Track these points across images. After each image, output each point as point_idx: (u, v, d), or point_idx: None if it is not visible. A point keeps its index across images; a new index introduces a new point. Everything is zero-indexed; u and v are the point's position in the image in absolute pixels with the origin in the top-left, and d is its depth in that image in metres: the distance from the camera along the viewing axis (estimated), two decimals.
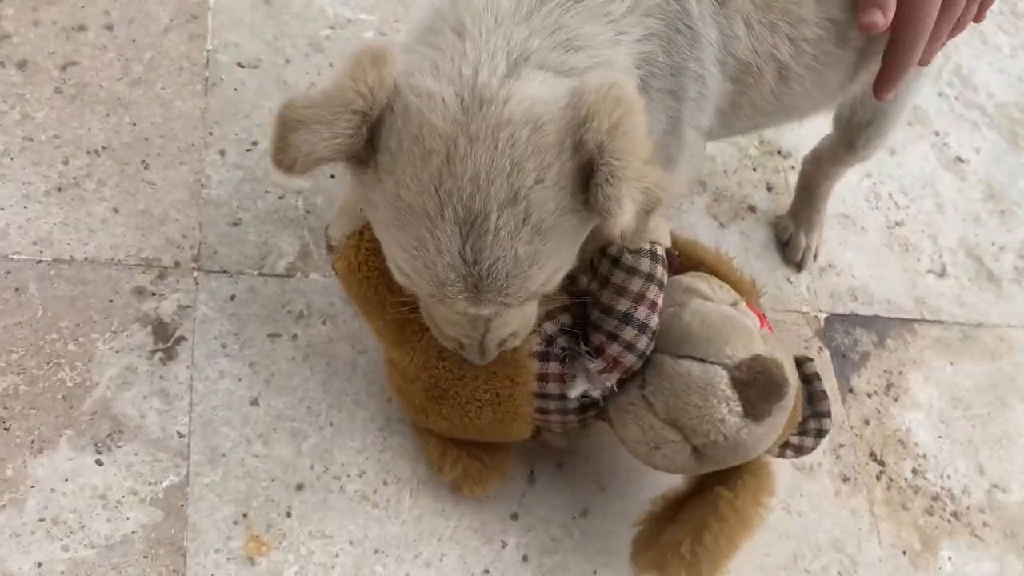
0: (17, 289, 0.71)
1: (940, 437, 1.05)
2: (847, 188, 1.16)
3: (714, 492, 0.74)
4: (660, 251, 0.71)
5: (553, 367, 0.70)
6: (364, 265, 0.66)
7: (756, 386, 0.70)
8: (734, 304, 0.76)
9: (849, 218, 1.15)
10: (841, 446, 0.99)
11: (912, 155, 1.26)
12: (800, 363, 0.80)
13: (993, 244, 1.24)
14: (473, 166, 0.51)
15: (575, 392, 0.70)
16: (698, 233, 1.05)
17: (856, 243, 1.14)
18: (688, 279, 0.77)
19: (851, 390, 1.03)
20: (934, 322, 1.13)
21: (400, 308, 0.65)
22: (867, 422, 1.02)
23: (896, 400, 1.05)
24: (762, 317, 0.79)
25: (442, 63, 0.53)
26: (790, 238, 1.06)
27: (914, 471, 1.01)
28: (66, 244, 0.74)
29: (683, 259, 0.79)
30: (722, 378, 0.70)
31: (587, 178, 0.52)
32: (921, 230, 1.20)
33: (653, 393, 0.70)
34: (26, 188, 0.75)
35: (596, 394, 0.70)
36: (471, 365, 0.66)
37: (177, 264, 0.77)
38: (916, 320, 1.12)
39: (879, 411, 1.03)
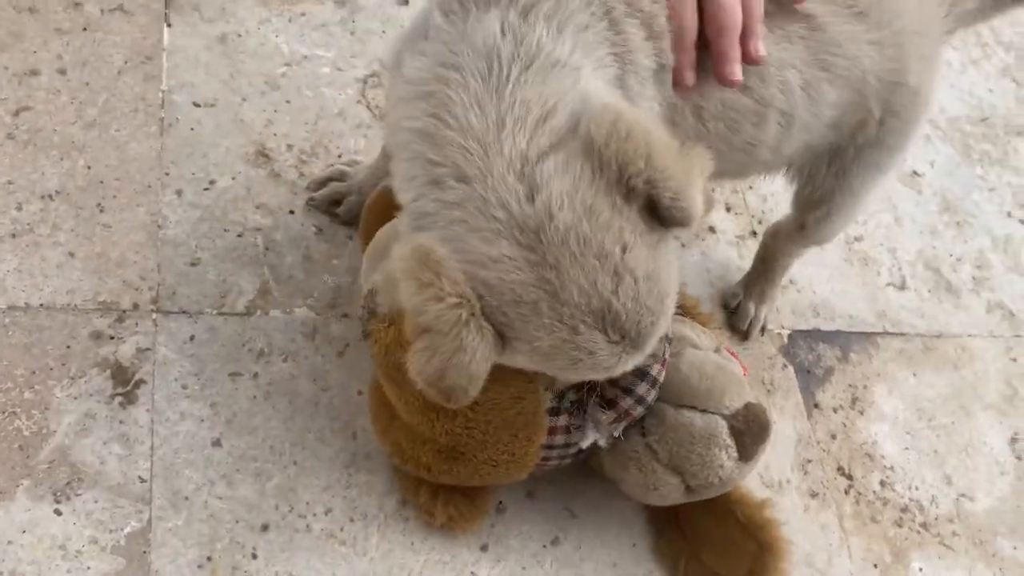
0: None
1: (906, 448, 1.06)
2: None
3: None
4: None
5: (562, 420, 0.73)
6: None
7: (750, 432, 0.77)
8: (716, 350, 0.80)
9: None
10: (808, 462, 0.99)
11: None
12: None
13: (951, 255, 1.27)
14: (573, 284, 0.53)
15: (586, 442, 0.74)
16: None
17: (816, 259, 1.15)
18: (676, 326, 0.79)
19: (816, 405, 1.04)
20: (896, 334, 1.15)
21: None
22: (834, 436, 1.03)
23: (862, 413, 1.06)
24: (736, 356, 0.82)
25: (474, 221, 0.54)
26: (738, 306, 1.05)
27: (882, 483, 1.02)
28: (20, 291, 0.73)
29: None
30: (723, 428, 0.75)
31: (653, 205, 0.55)
32: (880, 244, 1.22)
33: (658, 442, 0.75)
34: None
35: (603, 443, 0.74)
36: (495, 429, 0.70)
37: (135, 306, 0.76)
38: (878, 333, 1.14)
39: (845, 425, 1.04)
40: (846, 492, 1.00)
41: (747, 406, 0.75)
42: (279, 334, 0.80)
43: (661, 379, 0.73)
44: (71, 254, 0.76)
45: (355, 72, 0.98)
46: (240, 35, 0.94)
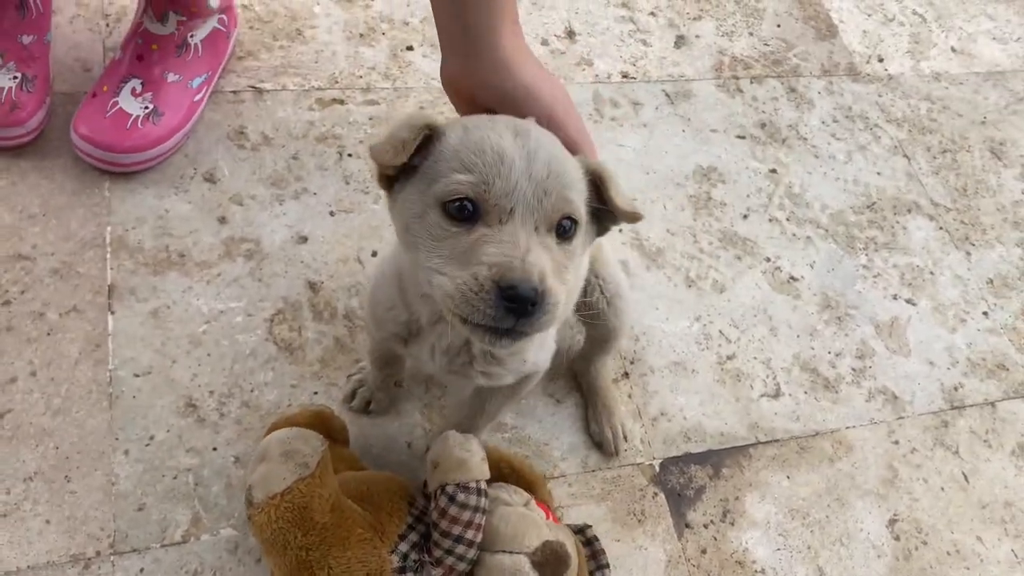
0: None
1: (779, 550, 1.20)
2: (676, 338, 1.35)
3: None
4: (483, 485, 0.95)
5: None
6: (280, 519, 0.89)
7: (548, 564, 0.94)
8: (527, 504, 1.00)
9: (680, 364, 1.33)
10: None
11: (743, 287, 1.44)
12: (581, 531, 1.03)
13: (830, 352, 1.40)
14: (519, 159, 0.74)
15: None
16: (537, 410, 1.25)
17: (687, 386, 1.32)
18: (494, 491, 1.00)
19: (687, 525, 1.20)
20: (769, 442, 1.29)
21: (299, 551, 0.89)
22: (704, 551, 1.18)
23: (732, 524, 1.21)
24: (547, 509, 1.01)
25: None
26: (599, 438, 1.23)
27: None
28: (12, 558, 1.00)
29: (491, 464, 1.02)
30: (525, 563, 0.94)
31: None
32: (754, 357, 1.37)
33: None
34: None
35: None
36: None
37: (98, 553, 1.02)
38: (751, 444, 1.29)
39: (715, 538, 1.20)
40: None
41: (545, 544, 0.94)
42: (208, 554, 1.04)
43: (477, 540, 0.93)
44: (48, 521, 1.03)
45: (263, 314, 1.23)
46: (168, 306, 1.20)
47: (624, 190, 0.82)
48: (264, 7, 1.54)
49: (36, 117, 1.27)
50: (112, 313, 1.18)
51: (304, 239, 1.30)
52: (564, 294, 0.73)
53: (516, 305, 0.68)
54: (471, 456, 0.96)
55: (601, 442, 1.23)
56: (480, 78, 0.85)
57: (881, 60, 1.83)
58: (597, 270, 1.11)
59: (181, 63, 1.32)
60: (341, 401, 1.18)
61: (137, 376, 1.15)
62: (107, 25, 1.44)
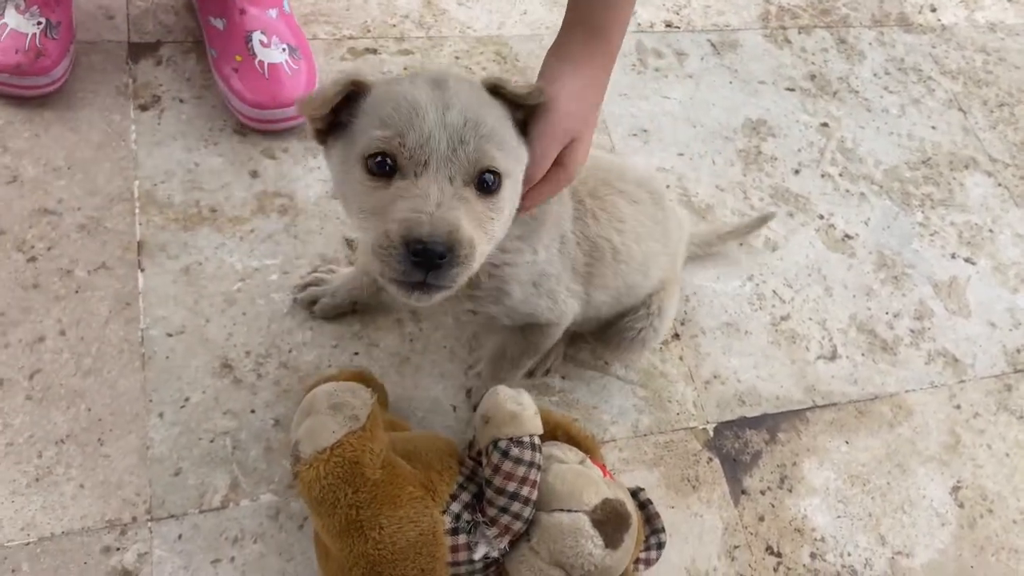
0: (14, 571, 0.93)
1: (839, 517, 1.15)
2: (728, 298, 1.30)
3: None
4: (537, 440, 0.90)
5: (461, 539, 0.88)
6: (329, 475, 0.83)
7: (609, 522, 0.89)
8: (582, 462, 0.94)
9: (732, 325, 1.28)
10: (736, 547, 1.10)
11: (796, 245, 1.37)
12: (635, 494, 0.98)
13: (887, 313, 1.34)
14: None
15: (479, 555, 0.88)
16: (584, 373, 1.20)
17: (740, 348, 1.26)
18: (547, 448, 0.94)
19: (744, 491, 1.15)
20: (826, 406, 1.24)
21: (349, 509, 0.84)
22: (761, 519, 1.13)
23: (791, 491, 1.16)
24: (603, 467, 0.96)
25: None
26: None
27: (812, 555, 1.12)
28: (47, 524, 0.96)
29: (544, 422, 0.97)
30: (585, 522, 0.88)
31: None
32: (808, 318, 1.31)
33: (538, 543, 0.88)
34: (12, 485, 0.97)
35: (495, 554, 0.88)
36: (401, 549, 0.84)
37: (134, 519, 0.98)
38: (807, 408, 1.23)
39: (773, 505, 1.15)
40: (775, 570, 1.10)
41: (604, 501, 0.89)
42: (249, 520, 1.00)
43: (533, 498, 0.87)
44: (81, 486, 0.99)
45: (300, 271, 1.17)
46: (200, 263, 1.15)
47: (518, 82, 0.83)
48: None
49: (61, 66, 1.21)
50: (142, 270, 1.13)
51: None
52: (485, 244, 0.75)
53: (422, 259, 0.69)
54: (523, 410, 0.91)
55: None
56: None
57: (934, 10, 1.75)
58: (661, 300, 1.09)
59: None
60: (291, 288, 1.16)
61: (170, 336, 1.10)
62: None
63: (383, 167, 0.73)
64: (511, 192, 0.79)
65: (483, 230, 0.74)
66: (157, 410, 1.05)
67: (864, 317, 1.33)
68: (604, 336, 1.13)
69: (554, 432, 1.00)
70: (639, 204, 1.01)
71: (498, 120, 0.76)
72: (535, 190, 0.84)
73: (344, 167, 0.77)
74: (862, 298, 1.35)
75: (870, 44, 1.65)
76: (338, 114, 0.78)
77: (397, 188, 0.72)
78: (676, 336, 1.25)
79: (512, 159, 0.77)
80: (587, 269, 0.98)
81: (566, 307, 0.97)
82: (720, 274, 1.31)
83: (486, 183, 0.74)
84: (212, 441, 1.04)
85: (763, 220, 1.30)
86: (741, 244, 1.35)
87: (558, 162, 0.84)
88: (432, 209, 0.69)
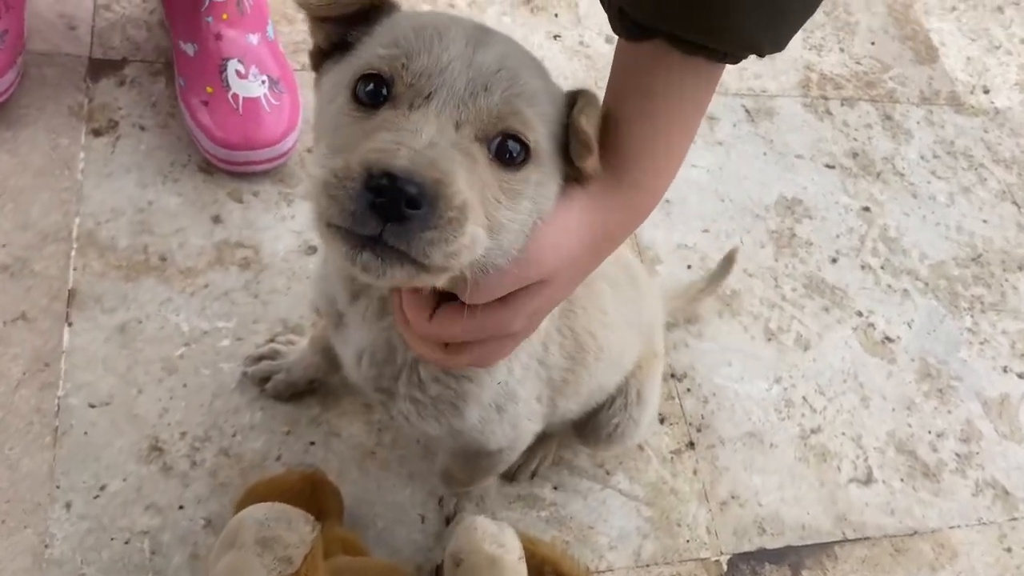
0: None
1: None
2: (753, 402, 1.12)
3: None
4: None
5: None
6: None
7: None
8: None
9: (755, 436, 1.10)
10: None
11: (830, 345, 1.21)
12: None
13: (930, 432, 1.17)
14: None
15: None
16: (581, 484, 1.02)
17: (764, 464, 1.09)
18: None
19: None
20: (858, 540, 1.06)
21: None
22: None
23: None
24: None
25: None
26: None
27: None
28: None
29: (530, 557, 0.79)
30: None
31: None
32: (842, 432, 1.14)
33: None
34: None
35: None
36: None
37: None
38: (836, 542, 1.05)
39: None
40: None
41: None
42: None
43: None
44: None
45: (257, 338, 1.00)
46: (140, 320, 0.98)
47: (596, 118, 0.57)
48: None
49: (5, 78, 1.05)
50: (70, 325, 0.96)
51: (313, 249, 1.07)
52: (485, 233, 0.52)
53: (385, 201, 0.47)
54: (505, 553, 0.73)
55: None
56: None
57: (987, 91, 1.60)
58: (640, 383, 0.91)
59: (246, 20, 1.11)
60: (243, 359, 0.99)
61: (92, 407, 0.92)
62: None
63: (375, 96, 0.54)
64: (536, 191, 0.56)
65: (487, 212, 0.52)
66: (64, 499, 0.87)
67: (904, 435, 1.16)
68: (578, 433, 0.95)
69: (540, 569, 0.82)
70: (618, 288, 0.83)
71: (544, 91, 0.56)
72: (464, 324, 0.59)
73: (331, 95, 0.57)
74: (902, 412, 1.18)
75: (918, 123, 1.50)
76: (348, 31, 0.59)
77: (383, 119, 0.53)
78: (691, 445, 1.07)
79: (549, 152, 0.56)
80: (564, 375, 0.77)
81: (525, 432, 0.78)
82: (744, 373, 1.14)
83: (509, 152, 0.54)
84: (127, 543, 0.86)
85: (729, 261, 1.13)
86: (770, 340, 1.18)
87: (505, 300, 0.59)
88: (418, 146, 0.49)
